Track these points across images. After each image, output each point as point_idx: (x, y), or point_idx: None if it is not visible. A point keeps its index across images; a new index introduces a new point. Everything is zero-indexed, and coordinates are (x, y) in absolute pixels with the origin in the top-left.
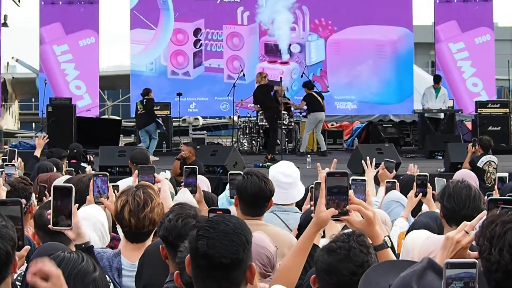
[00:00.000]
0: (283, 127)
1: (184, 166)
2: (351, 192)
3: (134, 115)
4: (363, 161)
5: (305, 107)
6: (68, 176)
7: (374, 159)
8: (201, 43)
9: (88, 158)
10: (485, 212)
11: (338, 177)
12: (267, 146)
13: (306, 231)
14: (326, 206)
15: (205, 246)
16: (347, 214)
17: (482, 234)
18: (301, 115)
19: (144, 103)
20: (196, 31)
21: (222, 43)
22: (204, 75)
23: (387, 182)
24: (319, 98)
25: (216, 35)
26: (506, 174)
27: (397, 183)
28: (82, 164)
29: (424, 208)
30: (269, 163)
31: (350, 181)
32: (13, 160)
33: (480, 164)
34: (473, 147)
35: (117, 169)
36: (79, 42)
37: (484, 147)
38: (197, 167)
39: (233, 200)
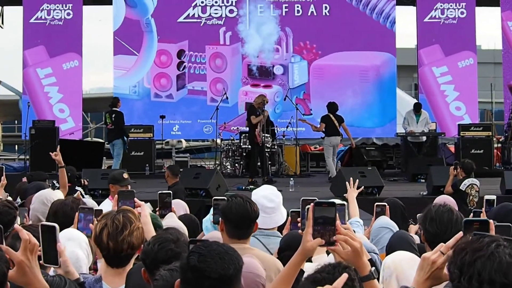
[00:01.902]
0: (265, 150)
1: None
2: (338, 222)
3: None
4: (346, 182)
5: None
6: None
7: (357, 180)
8: (185, 66)
9: (82, 182)
10: (461, 233)
11: (325, 207)
12: (248, 169)
13: (292, 259)
14: (312, 235)
15: (195, 260)
16: (333, 244)
17: (452, 261)
18: (284, 138)
19: (113, 118)
20: (180, 53)
21: (205, 66)
22: (187, 97)
23: (377, 206)
24: (335, 121)
25: (199, 58)
26: (494, 197)
27: (387, 207)
28: (77, 188)
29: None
30: (252, 187)
31: None
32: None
33: (462, 187)
34: (455, 170)
35: (100, 191)
36: (63, 65)
37: (466, 170)
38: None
39: (217, 225)
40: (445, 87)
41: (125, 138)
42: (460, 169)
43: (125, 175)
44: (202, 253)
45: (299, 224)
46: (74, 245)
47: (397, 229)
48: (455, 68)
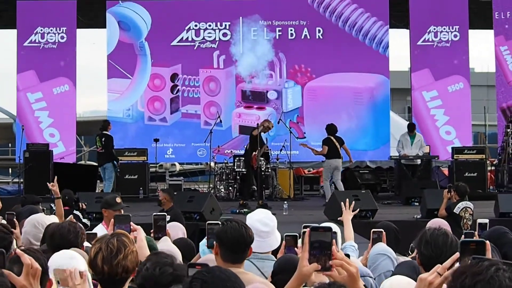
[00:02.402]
0: (260, 173)
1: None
2: (334, 247)
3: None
4: (342, 203)
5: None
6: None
7: (353, 202)
8: (178, 89)
9: (81, 205)
10: (457, 254)
11: (321, 232)
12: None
13: (289, 284)
14: (309, 260)
15: (198, 286)
16: (329, 269)
17: (452, 285)
18: (278, 161)
19: (103, 142)
20: (173, 77)
21: (199, 89)
22: (181, 121)
23: (373, 232)
24: (336, 143)
25: (193, 81)
26: (486, 221)
27: (384, 234)
28: (75, 212)
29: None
30: (246, 210)
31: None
32: None
33: (456, 210)
34: (449, 193)
35: (94, 215)
36: (53, 89)
37: (460, 193)
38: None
39: (212, 250)
40: (435, 111)
41: (115, 161)
42: (454, 192)
43: (118, 200)
44: (205, 280)
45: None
46: (77, 263)
47: (395, 255)
48: (445, 93)
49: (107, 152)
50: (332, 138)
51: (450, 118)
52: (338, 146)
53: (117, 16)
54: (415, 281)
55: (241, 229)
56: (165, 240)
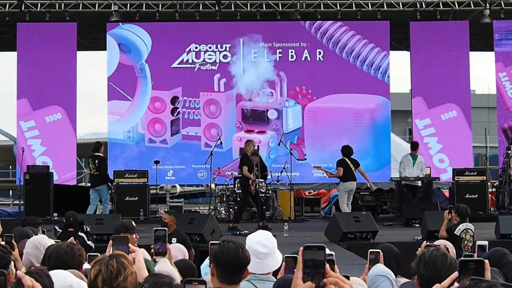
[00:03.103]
0: (260, 195)
1: (154, 229)
2: (328, 266)
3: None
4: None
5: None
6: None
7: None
8: (179, 111)
9: (85, 228)
10: (456, 273)
11: (315, 250)
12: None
13: None
14: (302, 279)
15: None
16: (323, 287)
17: None
18: (278, 183)
19: (97, 164)
20: (174, 99)
21: (199, 111)
22: (181, 143)
23: (370, 253)
24: (351, 165)
25: (193, 103)
26: (486, 243)
27: (381, 254)
28: (80, 233)
29: None
30: (246, 232)
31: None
32: None
33: (457, 232)
34: (449, 214)
35: (95, 237)
36: (46, 118)
37: (461, 215)
38: (166, 229)
39: None
40: (428, 139)
41: (109, 183)
42: (455, 214)
43: (133, 223)
44: None
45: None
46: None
47: (394, 277)
48: (438, 121)
49: (101, 174)
50: (347, 160)
51: (443, 146)
52: (353, 168)
53: (117, 38)
54: None
55: (238, 249)
56: (163, 262)
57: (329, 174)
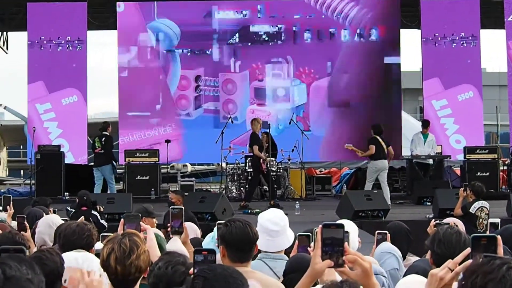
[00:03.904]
0: (271, 173)
1: (170, 207)
2: (346, 244)
3: (92, 150)
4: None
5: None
6: (55, 216)
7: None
8: (201, 88)
9: (98, 208)
10: (469, 249)
11: (333, 228)
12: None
13: (301, 281)
14: (321, 257)
15: (200, 284)
16: (342, 265)
17: (463, 284)
18: (289, 162)
19: (103, 142)
20: (197, 78)
21: (218, 89)
22: (203, 115)
23: (378, 233)
24: (383, 143)
25: (213, 82)
26: (498, 220)
27: (388, 235)
28: (93, 212)
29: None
30: (258, 210)
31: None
32: (8, 207)
33: (472, 210)
34: (464, 192)
35: (106, 216)
36: (62, 100)
37: (476, 193)
38: (183, 208)
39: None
40: (445, 120)
41: (114, 162)
42: (470, 192)
43: (152, 207)
44: (207, 277)
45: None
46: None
47: (400, 254)
48: (455, 102)
49: (106, 153)
50: (378, 138)
51: (460, 127)
52: (385, 147)
53: (153, 30)
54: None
55: (245, 228)
56: (175, 241)
57: (361, 152)
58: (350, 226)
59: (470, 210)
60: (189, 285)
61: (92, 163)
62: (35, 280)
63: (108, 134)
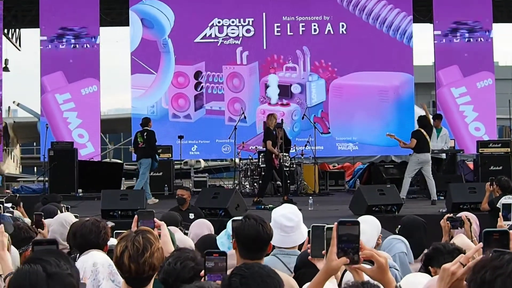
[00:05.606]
0: (284, 169)
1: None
2: (362, 241)
3: (133, 146)
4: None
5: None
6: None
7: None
8: (202, 86)
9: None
10: (481, 244)
11: (349, 225)
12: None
13: (316, 278)
14: (337, 254)
15: (238, 282)
16: (358, 262)
17: (473, 279)
18: (303, 157)
19: (145, 136)
20: (197, 74)
21: (222, 86)
22: (205, 117)
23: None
24: (427, 136)
25: (216, 78)
26: None
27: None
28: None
29: None
30: (271, 206)
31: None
32: (17, 207)
33: (499, 205)
34: (491, 186)
35: (119, 212)
36: (81, 90)
37: (502, 188)
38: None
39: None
40: (464, 108)
41: (157, 156)
42: (496, 186)
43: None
44: (244, 275)
45: (309, 250)
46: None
47: (407, 243)
48: (474, 89)
49: (148, 148)
50: (422, 131)
51: (479, 114)
52: (429, 139)
53: (140, 14)
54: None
55: (258, 226)
56: (176, 231)
57: (403, 144)
58: (372, 223)
59: (497, 206)
60: (225, 282)
61: (106, 160)
62: (74, 274)
63: (149, 129)
